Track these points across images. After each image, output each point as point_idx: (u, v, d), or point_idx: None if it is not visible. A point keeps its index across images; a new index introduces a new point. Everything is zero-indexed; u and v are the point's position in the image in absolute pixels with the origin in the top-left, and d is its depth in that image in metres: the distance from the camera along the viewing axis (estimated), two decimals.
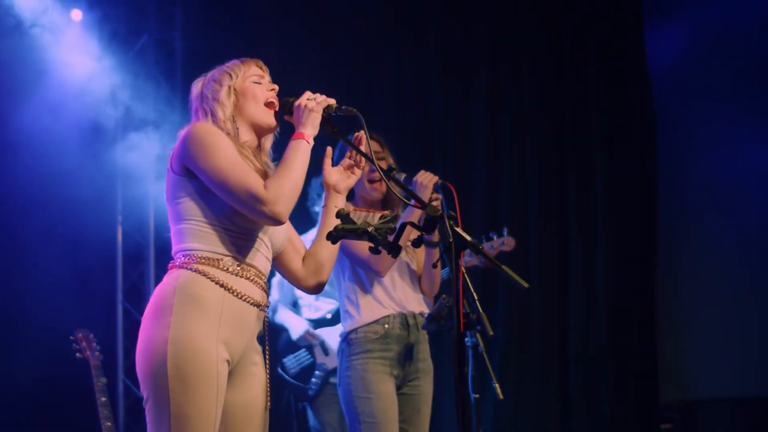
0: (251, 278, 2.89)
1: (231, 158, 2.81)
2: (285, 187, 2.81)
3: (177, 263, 2.86)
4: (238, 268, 2.87)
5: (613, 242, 7.09)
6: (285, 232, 3.06)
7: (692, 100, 7.27)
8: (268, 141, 3.11)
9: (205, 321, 2.77)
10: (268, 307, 2.97)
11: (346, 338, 4.13)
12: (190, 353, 2.73)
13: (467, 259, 4.41)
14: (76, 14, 6.20)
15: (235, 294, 2.84)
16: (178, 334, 2.74)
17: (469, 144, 7.06)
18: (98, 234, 6.08)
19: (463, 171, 6.87)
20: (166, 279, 2.86)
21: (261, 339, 2.99)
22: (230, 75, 3.01)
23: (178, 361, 2.72)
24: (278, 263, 3.10)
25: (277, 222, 2.84)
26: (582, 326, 6.97)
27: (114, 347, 6.16)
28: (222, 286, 2.82)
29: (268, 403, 2.98)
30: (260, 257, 2.93)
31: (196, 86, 3.05)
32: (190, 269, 2.82)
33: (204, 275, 2.81)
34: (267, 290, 2.97)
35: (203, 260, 2.83)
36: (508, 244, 4.90)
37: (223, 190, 2.80)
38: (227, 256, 2.85)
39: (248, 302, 2.87)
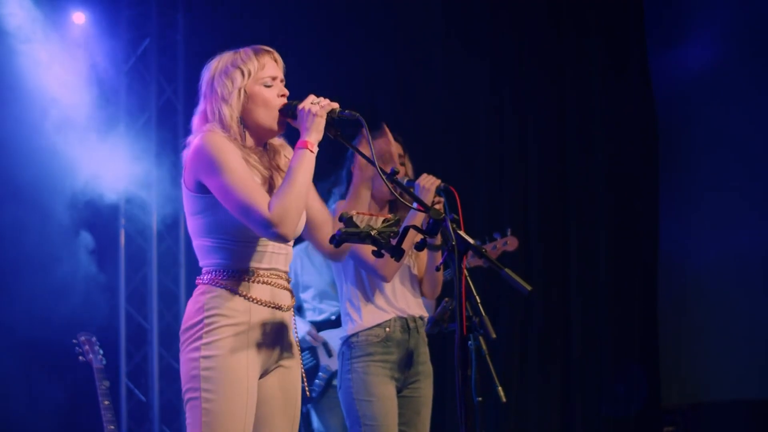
0: (273, 283, 2.97)
1: (239, 176, 2.84)
2: (289, 206, 2.85)
3: (204, 280, 2.96)
4: (260, 276, 2.95)
5: (614, 244, 7.09)
6: (316, 201, 3.12)
7: (693, 96, 7.27)
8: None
9: (235, 336, 2.89)
10: (294, 306, 3.06)
11: (347, 341, 4.14)
12: (222, 370, 2.86)
13: (470, 259, 4.41)
14: (79, 17, 6.21)
15: (261, 303, 2.93)
16: (209, 353, 2.86)
17: (471, 145, 7.06)
18: (101, 238, 6.09)
19: (465, 174, 6.87)
20: (195, 295, 2.96)
21: (291, 337, 3.07)
22: (242, 73, 2.99)
23: (210, 377, 2.85)
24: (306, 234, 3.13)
25: (283, 241, 2.92)
26: (584, 329, 6.97)
27: (117, 351, 6.16)
28: (248, 298, 2.91)
29: (300, 392, 3.08)
30: (278, 258, 3.00)
31: (209, 70, 3.04)
32: (216, 285, 2.92)
33: (229, 290, 2.91)
34: (290, 289, 3.05)
35: (227, 274, 2.92)
36: (511, 244, 4.90)
37: (231, 208, 2.86)
38: (249, 266, 2.94)
39: (274, 308, 2.96)
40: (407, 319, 4.16)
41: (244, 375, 2.87)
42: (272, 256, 2.98)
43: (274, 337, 2.97)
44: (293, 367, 3.06)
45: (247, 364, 2.89)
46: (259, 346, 2.93)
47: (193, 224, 2.98)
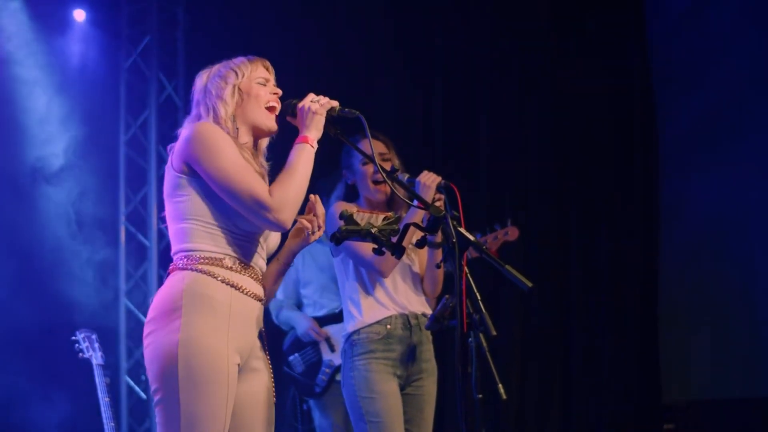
0: (253, 276, 2.93)
1: (236, 162, 2.83)
2: (290, 194, 2.84)
3: (179, 265, 2.87)
4: (240, 266, 2.89)
5: (615, 241, 7.10)
6: (279, 235, 3.08)
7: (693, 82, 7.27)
8: (264, 141, 3.12)
9: (216, 321, 2.80)
10: (263, 301, 3.01)
11: (348, 339, 4.15)
12: (202, 354, 2.76)
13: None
14: (79, 14, 6.23)
15: (242, 291, 2.87)
16: (188, 336, 2.76)
17: (471, 142, 7.06)
18: (101, 233, 6.10)
19: (465, 169, 6.88)
20: (171, 281, 2.86)
21: (260, 333, 3.02)
22: (236, 73, 3.00)
23: (189, 363, 2.75)
24: None
25: (282, 228, 2.88)
26: (584, 326, 6.98)
27: (117, 347, 6.17)
28: (229, 284, 2.85)
29: (273, 397, 3.02)
30: (258, 258, 2.97)
31: (201, 78, 3.05)
32: (196, 270, 2.83)
33: (210, 275, 2.83)
34: (263, 286, 3.00)
35: (206, 260, 2.84)
36: (511, 234, 4.91)
37: (228, 194, 2.82)
38: (229, 256, 2.88)
39: (253, 298, 2.91)
40: (408, 315, 4.16)
41: (224, 368, 2.79)
42: (256, 255, 2.95)
43: (253, 329, 2.93)
44: (265, 370, 2.99)
45: (228, 357, 2.80)
46: (240, 336, 2.86)
47: (174, 207, 2.89)
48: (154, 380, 2.80)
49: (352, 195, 4.30)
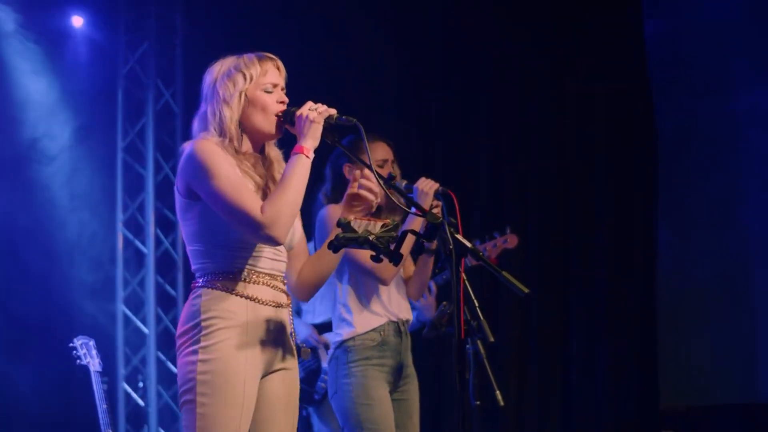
0: (270, 284, 2.97)
1: (229, 179, 2.85)
2: (281, 209, 2.85)
3: (198, 282, 2.96)
4: (257, 277, 2.95)
5: (613, 247, 7.08)
6: (299, 230, 3.11)
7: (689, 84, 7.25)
8: (273, 148, 3.12)
9: (233, 335, 2.89)
10: (290, 305, 3.05)
11: (342, 346, 4.13)
12: (218, 371, 2.86)
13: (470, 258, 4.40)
14: (77, 21, 6.22)
15: (256, 301, 2.93)
16: (206, 351, 2.87)
17: (471, 142, 7.05)
18: (99, 240, 6.09)
19: (464, 169, 6.87)
20: (191, 299, 2.96)
21: (288, 336, 3.06)
22: (244, 77, 2.99)
23: (207, 378, 2.85)
24: None
25: (275, 243, 2.90)
26: (583, 332, 6.96)
27: (114, 354, 6.15)
28: (245, 297, 2.91)
29: (298, 397, 3.09)
30: (268, 261, 2.99)
31: (211, 74, 3.03)
32: (213, 287, 2.91)
33: (227, 291, 2.91)
34: (285, 290, 3.04)
35: (221, 275, 2.92)
36: (511, 242, 4.91)
37: (223, 213, 2.87)
38: (245, 268, 2.93)
39: (272, 305, 2.96)
40: (398, 322, 4.16)
41: (241, 379, 2.88)
42: (268, 260, 2.99)
43: (276, 336, 2.98)
44: (293, 369, 3.07)
45: (246, 366, 2.89)
46: (260, 345, 2.93)
47: (186, 229, 2.98)
48: (179, 388, 2.93)
49: (342, 189, 4.25)
